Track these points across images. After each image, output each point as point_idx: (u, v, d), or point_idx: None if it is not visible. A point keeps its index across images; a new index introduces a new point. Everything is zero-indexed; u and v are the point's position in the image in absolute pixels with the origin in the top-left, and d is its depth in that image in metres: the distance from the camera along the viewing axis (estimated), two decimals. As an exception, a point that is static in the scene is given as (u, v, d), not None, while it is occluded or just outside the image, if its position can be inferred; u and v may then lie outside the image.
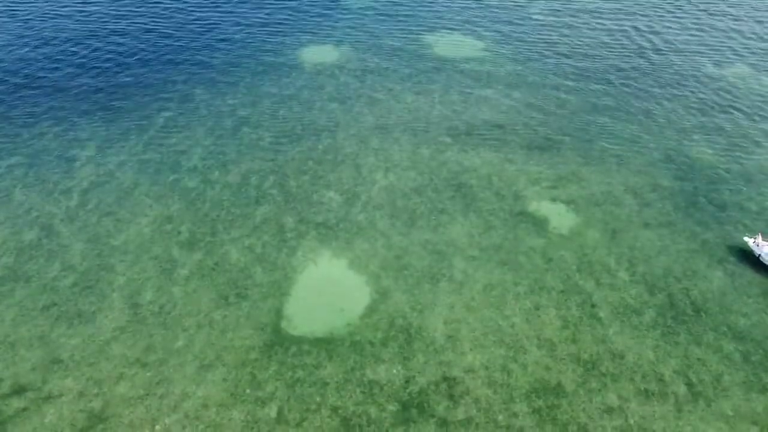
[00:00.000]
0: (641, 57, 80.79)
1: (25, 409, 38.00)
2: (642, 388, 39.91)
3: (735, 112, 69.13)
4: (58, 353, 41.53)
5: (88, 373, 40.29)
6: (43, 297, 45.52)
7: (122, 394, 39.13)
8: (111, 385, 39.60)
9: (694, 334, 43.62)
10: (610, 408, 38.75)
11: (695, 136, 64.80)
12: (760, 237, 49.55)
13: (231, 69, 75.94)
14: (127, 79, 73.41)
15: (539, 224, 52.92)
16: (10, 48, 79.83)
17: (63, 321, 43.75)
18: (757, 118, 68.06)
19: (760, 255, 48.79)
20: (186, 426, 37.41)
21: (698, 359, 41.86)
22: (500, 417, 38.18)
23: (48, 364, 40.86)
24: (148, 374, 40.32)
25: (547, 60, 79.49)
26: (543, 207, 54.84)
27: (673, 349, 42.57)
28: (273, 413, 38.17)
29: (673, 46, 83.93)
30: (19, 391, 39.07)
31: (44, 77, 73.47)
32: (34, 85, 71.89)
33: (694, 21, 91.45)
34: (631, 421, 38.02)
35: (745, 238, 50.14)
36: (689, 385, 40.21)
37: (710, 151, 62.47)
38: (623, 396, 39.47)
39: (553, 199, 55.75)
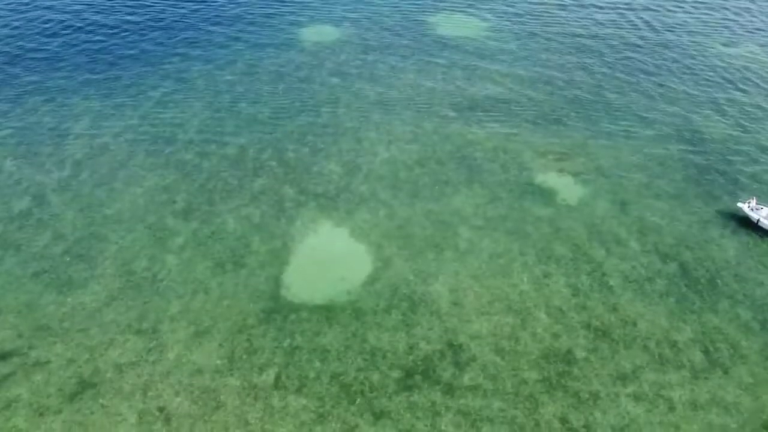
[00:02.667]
0: (648, 36, 79.21)
1: (11, 374, 36.27)
2: (656, 356, 38.22)
3: (745, 88, 67.57)
4: (47, 320, 39.80)
5: (78, 339, 38.57)
6: (33, 264, 43.82)
7: (113, 360, 37.41)
8: (102, 351, 37.88)
9: (709, 302, 41.95)
10: (623, 375, 37.06)
11: (705, 111, 63.24)
12: (754, 201, 48.16)
13: (229, 46, 74.31)
14: (124, 54, 71.75)
15: (546, 195, 51.29)
16: (3, 22, 78.18)
17: (53, 288, 42.03)
18: (767, 93, 66.53)
19: (758, 220, 47.31)
20: (179, 392, 35.68)
21: (714, 327, 40.17)
22: (509, 384, 36.48)
23: (36, 330, 39.12)
24: (141, 340, 38.61)
25: (553, 38, 77.91)
26: (550, 179, 53.21)
27: (688, 317, 40.90)
28: (270, 379, 36.46)
29: (681, 24, 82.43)
30: (4, 356, 37.31)
31: (38, 51, 71.86)
32: (28, 59, 70.27)
33: (702, 1, 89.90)
34: (646, 388, 36.32)
35: (739, 204, 48.66)
36: (705, 352, 38.52)
37: (721, 126, 60.88)
38: (637, 363, 37.78)
39: (560, 171, 54.12)
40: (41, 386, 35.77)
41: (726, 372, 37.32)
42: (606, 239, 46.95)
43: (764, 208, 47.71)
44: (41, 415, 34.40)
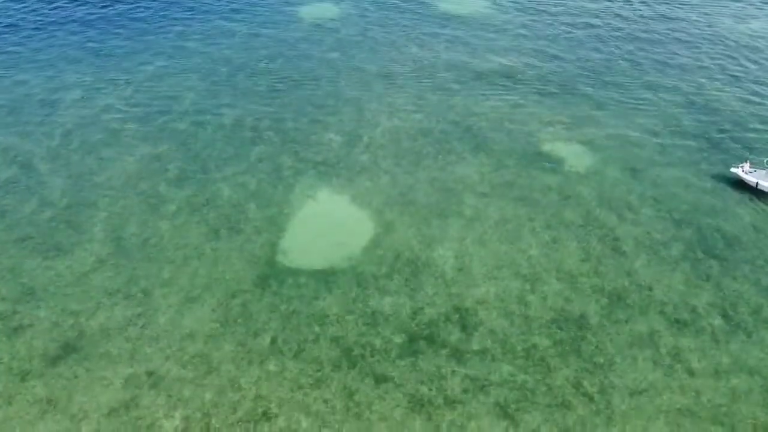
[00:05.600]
0: (657, 11, 77.28)
1: (-10, 339, 34.28)
2: (674, 320, 36.16)
3: (755, 59, 65.62)
4: (31, 284, 37.74)
5: (63, 303, 36.51)
6: (18, 230, 41.79)
7: (100, 324, 35.35)
8: (88, 316, 35.81)
9: (728, 267, 39.89)
10: (640, 339, 34.99)
11: (717, 83, 61.27)
12: (747, 165, 46.52)
13: (227, 21, 72.43)
14: (118, 28, 69.84)
15: (555, 163, 49.30)
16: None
17: (38, 253, 39.99)
18: (780, 67, 64.64)
19: (757, 183, 45.59)
20: (169, 356, 33.62)
21: (734, 291, 38.11)
22: (518, 348, 34.41)
23: (18, 295, 37.06)
24: (130, 305, 36.53)
25: (558, 13, 75.98)
26: (558, 147, 51.24)
27: (705, 281, 38.84)
28: (266, 344, 34.40)
29: (689, 1, 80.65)
30: (-16, 320, 35.34)
31: (30, 23, 69.97)
32: (19, 31, 68.38)
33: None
34: (664, 352, 34.26)
35: (733, 169, 46.97)
36: (726, 317, 36.45)
37: (734, 97, 58.88)
38: (654, 327, 35.71)
39: (569, 140, 52.18)
40: (23, 350, 33.70)
41: (749, 336, 35.26)
42: (617, 206, 44.93)
43: (757, 170, 46.17)
44: (23, 379, 32.33)
